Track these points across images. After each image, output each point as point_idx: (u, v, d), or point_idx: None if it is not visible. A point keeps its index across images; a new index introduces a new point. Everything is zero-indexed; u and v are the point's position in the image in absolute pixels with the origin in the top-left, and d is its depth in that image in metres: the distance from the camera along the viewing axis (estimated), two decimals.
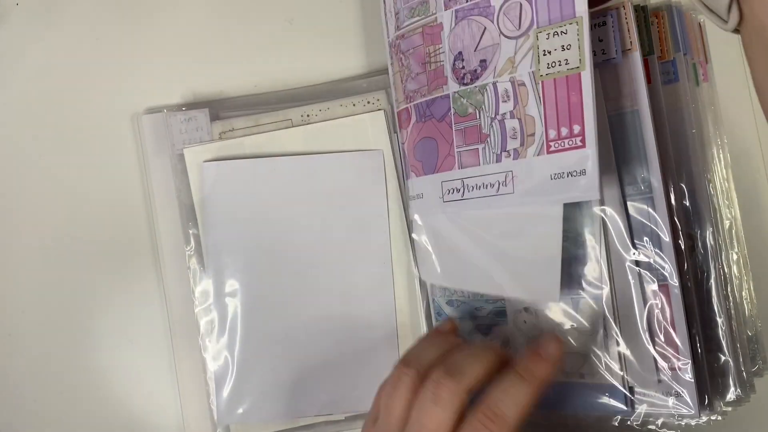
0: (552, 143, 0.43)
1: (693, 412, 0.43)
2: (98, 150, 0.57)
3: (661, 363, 0.44)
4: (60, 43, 0.57)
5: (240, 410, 0.53)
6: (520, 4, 0.44)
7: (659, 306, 0.44)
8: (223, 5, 0.57)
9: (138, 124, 0.56)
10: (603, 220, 0.45)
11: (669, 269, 0.44)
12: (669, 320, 0.44)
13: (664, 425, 0.45)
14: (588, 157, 0.41)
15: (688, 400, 0.43)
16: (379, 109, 0.54)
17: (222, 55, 0.57)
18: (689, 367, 0.43)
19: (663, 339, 0.44)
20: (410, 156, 0.51)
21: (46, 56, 0.57)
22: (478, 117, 0.46)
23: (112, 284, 0.56)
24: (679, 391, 0.44)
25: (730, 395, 0.46)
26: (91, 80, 0.57)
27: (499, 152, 0.45)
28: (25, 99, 0.57)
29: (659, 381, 0.44)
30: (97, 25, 0.57)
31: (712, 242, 0.46)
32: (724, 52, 0.51)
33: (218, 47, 0.57)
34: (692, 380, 0.43)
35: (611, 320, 0.45)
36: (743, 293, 0.49)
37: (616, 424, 0.46)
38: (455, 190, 0.48)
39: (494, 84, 0.45)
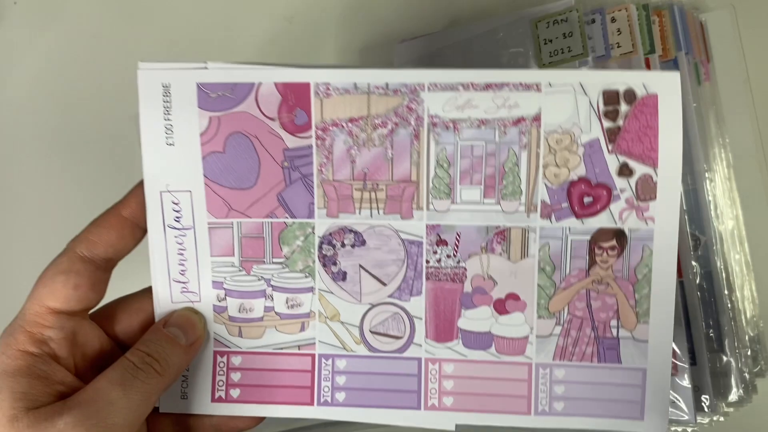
0: None
1: (688, 418, 0.43)
2: (99, 151, 0.57)
3: None
4: (59, 42, 0.57)
5: None
6: None
7: None
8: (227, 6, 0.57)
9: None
10: None
11: None
12: None
13: None
14: None
15: (684, 407, 0.43)
16: None
17: (226, 54, 0.57)
18: (686, 373, 0.43)
19: None
20: None
21: (44, 55, 0.57)
22: None
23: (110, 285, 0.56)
24: (674, 398, 0.43)
25: (732, 396, 0.46)
26: (91, 80, 0.57)
27: None
28: (24, 98, 0.57)
29: None
30: (96, 23, 0.57)
31: (714, 242, 0.46)
32: (726, 52, 0.50)
33: (222, 46, 0.57)
34: (689, 386, 0.43)
35: None
36: (745, 293, 0.49)
37: None
38: None
39: None
